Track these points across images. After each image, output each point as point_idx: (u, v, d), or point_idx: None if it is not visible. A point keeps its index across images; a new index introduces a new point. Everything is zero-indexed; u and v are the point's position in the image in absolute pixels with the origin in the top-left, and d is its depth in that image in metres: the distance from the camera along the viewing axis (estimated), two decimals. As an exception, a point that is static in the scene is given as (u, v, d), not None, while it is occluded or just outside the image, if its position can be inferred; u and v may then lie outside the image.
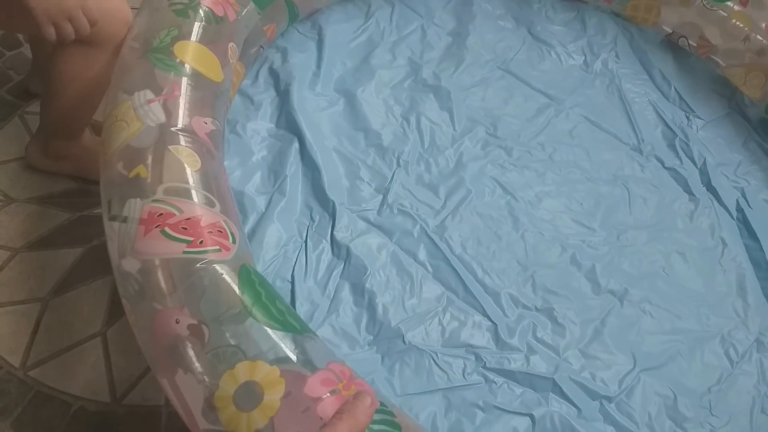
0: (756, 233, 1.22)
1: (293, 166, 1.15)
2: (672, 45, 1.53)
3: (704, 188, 1.28)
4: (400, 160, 1.21)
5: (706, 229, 1.22)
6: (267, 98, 1.27)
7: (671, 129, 1.37)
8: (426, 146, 1.24)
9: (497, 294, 1.05)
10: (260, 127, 1.22)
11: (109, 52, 0.95)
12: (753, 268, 1.19)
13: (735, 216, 1.24)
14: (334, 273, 1.04)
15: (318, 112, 1.25)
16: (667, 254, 1.17)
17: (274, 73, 1.30)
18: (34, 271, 1.00)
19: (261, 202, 1.10)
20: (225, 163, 0.93)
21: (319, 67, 1.33)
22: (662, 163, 1.31)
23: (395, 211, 1.13)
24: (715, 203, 1.26)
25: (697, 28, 1.47)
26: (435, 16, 1.50)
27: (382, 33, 1.43)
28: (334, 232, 1.07)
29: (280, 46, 1.35)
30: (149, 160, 0.78)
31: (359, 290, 1.02)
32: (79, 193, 1.09)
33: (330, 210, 1.10)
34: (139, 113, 0.82)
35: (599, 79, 1.44)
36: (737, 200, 1.26)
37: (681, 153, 1.33)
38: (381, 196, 1.15)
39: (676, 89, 1.45)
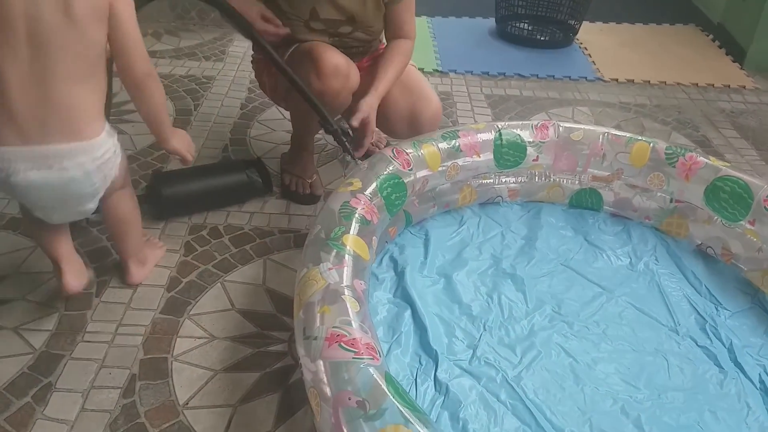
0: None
1: (406, 326, 1.58)
2: (702, 253, 1.91)
3: (732, 363, 1.57)
4: (486, 326, 1.61)
5: (733, 395, 1.49)
6: (388, 276, 1.74)
7: (703, 317, 1.70)
8: (505, 317, 1.64)
9: (562, 430, 1.37)
10: (382, 296, 1.67)
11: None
12: (774, 428, 1.44)
13: (758, 387, 1.52)
14: (436, 404, 1.40)
15: (425, 288, 1.71)
16: (701, 411, 1.44)
17: (393, 260, 1.79)
18: (227, 386, 1.42)
19: (383, 348, 1.51)
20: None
21: (425, 257, 1.81)
22: (696, 342, 1.62)
23: (482, 362, 1.50)
24: (741, 376, 1.53)
25: (721, 241, 1.84)
26: (511, 225, 1.98)
27: (471, 236, 1.92)
28: (437, 374, 1.46)
29: (398, 243, 1.85)
30: (331, 303, 1.23)
31: (455, 418, 1.37)
32: (257, 335, 1.56)
33: (434, 357, 1.49)
34: (324, 275, 1.30)
35: (642, 277, 1.82)
36: (759, 374, 1.54)
37: (711, 335, 1.64)
38: (471, 351, 1.53)
39: (706, 287, 1.79)
